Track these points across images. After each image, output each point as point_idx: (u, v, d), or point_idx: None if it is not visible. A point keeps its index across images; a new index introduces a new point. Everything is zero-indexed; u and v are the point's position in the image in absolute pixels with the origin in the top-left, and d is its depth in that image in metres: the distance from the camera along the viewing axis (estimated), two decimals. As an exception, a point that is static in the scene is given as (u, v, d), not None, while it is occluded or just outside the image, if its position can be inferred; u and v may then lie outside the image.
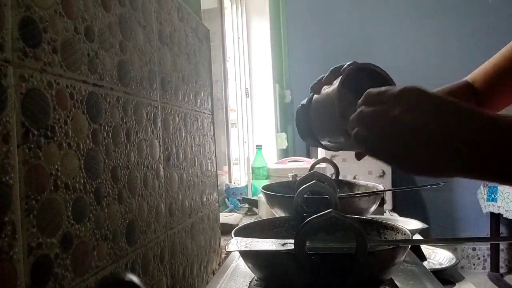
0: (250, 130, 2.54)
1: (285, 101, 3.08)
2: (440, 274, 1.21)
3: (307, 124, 0.66)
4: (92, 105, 0.46)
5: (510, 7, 3.16)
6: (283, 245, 0.58)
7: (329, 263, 0.56)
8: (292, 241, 0.54)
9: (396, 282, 0.69)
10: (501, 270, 3.16)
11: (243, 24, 2.57)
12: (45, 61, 0.38)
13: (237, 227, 0.74)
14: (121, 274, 0.50)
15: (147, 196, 0.59)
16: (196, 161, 0.82)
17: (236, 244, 0.59)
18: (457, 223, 3.27)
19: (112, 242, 0.49)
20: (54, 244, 0.38)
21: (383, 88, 0.46)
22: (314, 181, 0.81)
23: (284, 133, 2.71)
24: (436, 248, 1.39)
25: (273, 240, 0.61)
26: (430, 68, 3.15)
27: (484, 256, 3.29)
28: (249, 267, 0.65)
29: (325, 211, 0.52)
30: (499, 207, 2.79)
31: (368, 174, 2.32)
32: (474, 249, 3.31)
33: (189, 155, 0.78)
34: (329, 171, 1.43)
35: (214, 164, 0.95)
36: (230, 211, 1.52)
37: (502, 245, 3.22)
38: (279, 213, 0.97)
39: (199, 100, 0.86)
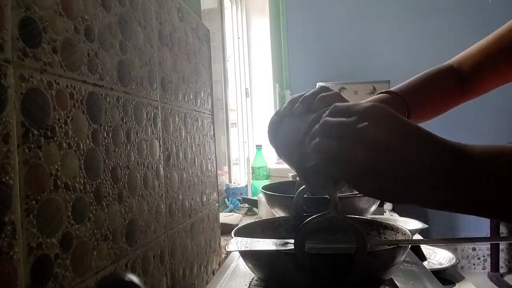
0: (250, 130, 2.54)
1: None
2: (440, 274, 1.21)
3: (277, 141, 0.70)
4: (92, 105, 0.46)
5: (510, 7, 3.16)
6: (283, 245, 0.58)
7: (329, 263, 0.56)
8: (292, 241, 0.54)
9: (396, 282, 0.69)
10: (501, 270, 3.16)
11: (243, 24, 2.57)
12: (45, 61, 0.38)
13: (237, 227, 0.74)
14: (121, 274, 0.50)
15: (147, 196, 0.59)
16: (196, 161, 0.82)
17: (236, 244, 0.59)
18: (457, 223, 3.27)
19: (112, 242, 0.49)
20: (54, 244, 0.38)
21: (351, 103, 0.44)
22: (314, 181, 0.81)
23: (284, 133, 2.71)
24: (436, 248, 1.39)
25: (273, 240, 0.60)
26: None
27: (484, 256, 3.29)
28: (249, 267, 0.65)
29: (325, 211, 0.52)
30: (499, 207, 2.79)
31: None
32: (474, 249, 3.31)
33: (189, 155, 0.78)
34: (329, 171, 1.43)
35: (214, 164, 0.95)
36: (230, 211, 1.52)
37: (502, 245, 3.22)
38: (279, 213, 0.97)
39: (199, 100, 0.86)
